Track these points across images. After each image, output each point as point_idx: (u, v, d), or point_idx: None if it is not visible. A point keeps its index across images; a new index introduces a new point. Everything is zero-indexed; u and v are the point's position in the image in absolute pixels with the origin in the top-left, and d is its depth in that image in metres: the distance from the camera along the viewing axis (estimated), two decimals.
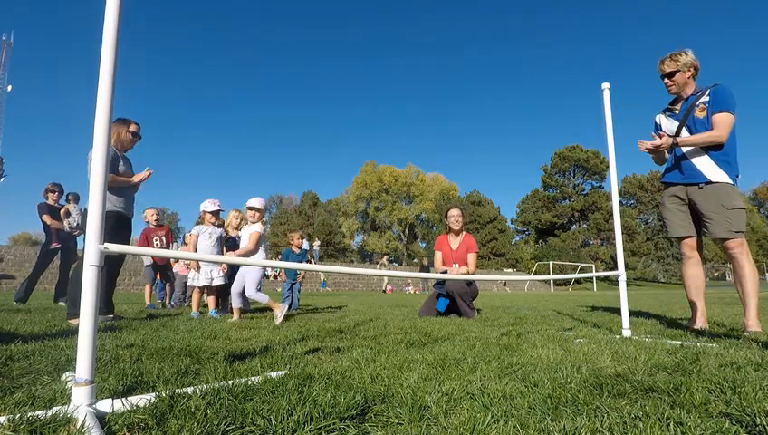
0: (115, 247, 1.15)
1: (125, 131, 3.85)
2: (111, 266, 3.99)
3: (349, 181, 56.95)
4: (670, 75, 3.07)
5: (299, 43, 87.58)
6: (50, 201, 6.33)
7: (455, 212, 4.90)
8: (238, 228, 5.21)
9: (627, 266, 3.02)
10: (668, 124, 3.17)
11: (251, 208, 4.30)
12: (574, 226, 52.69)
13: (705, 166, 2.95)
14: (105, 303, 3.83)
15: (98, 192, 1.12)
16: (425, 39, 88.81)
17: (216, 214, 4.58)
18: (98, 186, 1.12)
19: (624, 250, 2.89)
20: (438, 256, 4.93)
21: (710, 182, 2.93)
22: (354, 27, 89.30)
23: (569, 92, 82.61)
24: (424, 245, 53.54)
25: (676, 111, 3.13)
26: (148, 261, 6.32)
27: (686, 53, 3.04)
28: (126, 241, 4.14)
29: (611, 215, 3.09)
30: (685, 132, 3.04)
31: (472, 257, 4.77)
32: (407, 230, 55.30)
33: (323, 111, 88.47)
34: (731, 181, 2.91)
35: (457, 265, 4.78)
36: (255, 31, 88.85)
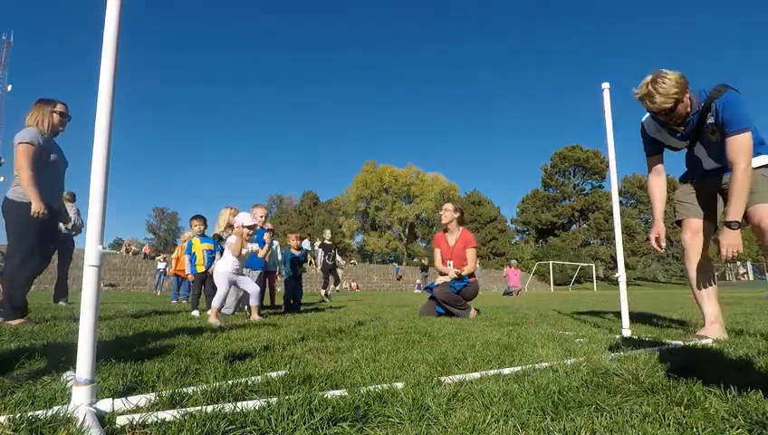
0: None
1: (50, 112, 3.54)
2: (35, 265, 3.47)
3: (349, 181, 57.02)
4: (670, 111, 2.43)
5: (299, 42, 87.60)
6: None
7: (444, 206, 4.85)
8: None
9: (627, 266, 2.95)
10: (672, 143, 2.68)
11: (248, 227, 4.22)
12: (574, 226, 52.73)
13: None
14: (20, 304, 3.35)
15: (98, 192, 1.12)
16: (425, 38, 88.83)
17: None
18: (98, 185, 1.12)
19: (624, 250, 2.80)
20: (437, 253, 4.92)
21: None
22: (355, 26, 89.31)
23: (569, 92, 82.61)
24: (424, 244, 53.59)
25: (680, 132, 2.60)
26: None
27: (669, 77, 2.37)
28: (51, 238, 3.65)
29: (611, 214, 2.87)
30: (698, 148, 2.59)
31: (471, 253, 4.71)
32: (407, 230, 55.33)
33: (324, 111, 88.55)
34: None
35: (452, 262, 4.73)
36: (256, 30, 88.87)
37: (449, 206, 4.85)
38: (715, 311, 2.59)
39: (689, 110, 2.48)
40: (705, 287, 2.63)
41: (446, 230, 4.90)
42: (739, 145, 2.32)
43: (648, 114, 2.66)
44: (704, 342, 2.29)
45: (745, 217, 2.43)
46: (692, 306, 5.78)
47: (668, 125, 2.59)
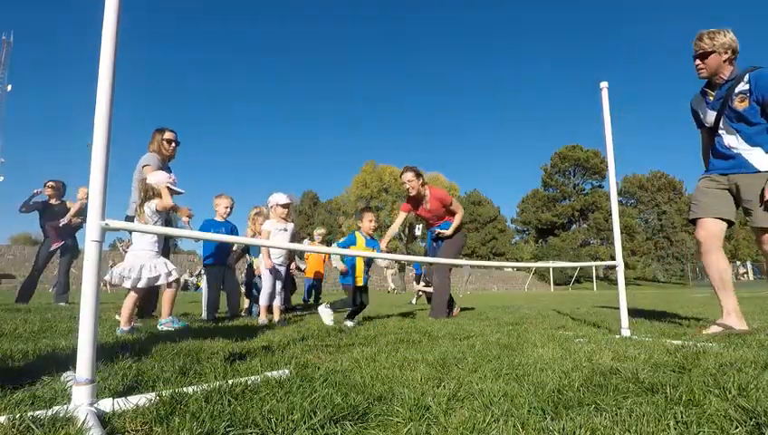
0: (117, 224, 1.15)
1: (160, 139, 4.05)
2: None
3: (349, 181, 57.02)
4: (703, 56, 2.72)
5: (299, 41, 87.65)
6: (51, 200, 6.29)
7: (405, 177, 4.46)
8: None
9: (627, 266, 2.93)
10: (705, 114, 2.88)
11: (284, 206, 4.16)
12: (574, 225, 52.74)
13: (757, 158, 2.67)
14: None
15: (99, 170, 1.11)
16: (425, 38, 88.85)
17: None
18: (99, 163, 1.11)
19: (624, 250, 2.83)
20: (401, 216, 4.69)
21: (759, 172, 2.64)
22: (354, 26, 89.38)
23: (569, 92, 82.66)
24: (424, 244, 53.58)
25: (711, 99, 2.83)
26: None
27: (725, 33, 2.71)
28: (166, 250, 4.17)
29: (611, 214, 2.91)
30: (723, 124, 2.78)
31: (455, 205, 4.54)
32: (407, 230, 55.27)
33: (324, 111, 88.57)
34: None
35: (427, 222, 4.56)
36: (256, 28, 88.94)
37: (408, 175, 4.47)
38: (733, 302, 2.71)
39: (725, 75, 2.75)
40: (723, 279, 2.77)
41: (413, 197, 4.60)
42: None
43: (696, 95, 2.97)
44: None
45: (752, 227, 2.72)
46: (691, 306, 5.79)
47: (699, 74, 2.82)
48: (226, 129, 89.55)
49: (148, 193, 3.28)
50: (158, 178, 3.33)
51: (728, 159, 2.77)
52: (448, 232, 4.50)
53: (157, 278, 3.19)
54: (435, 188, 4.62)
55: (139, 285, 3.12)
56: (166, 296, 3.35)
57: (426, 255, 4.85)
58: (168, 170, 4.04)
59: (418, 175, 4.49)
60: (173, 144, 4.11)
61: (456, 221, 4.54)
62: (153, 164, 3.84)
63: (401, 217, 4.72)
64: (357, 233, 4.00)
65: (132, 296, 3.12)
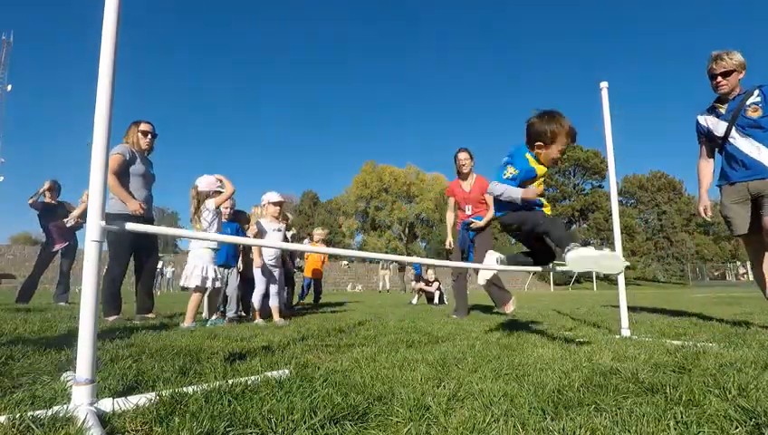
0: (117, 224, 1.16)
1: (136, 131, 4.02)
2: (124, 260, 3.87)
3: (349, 181, 57.02)
4: (726, 74, 3.05)
5: (299, 41, 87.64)
6: (47, 199, 6.29)
7: (462, 155, 4.83)
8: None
9: (626, 266, 2.95)
10: (715, 125, 3.16)
11: (276, 204, 4.19)
12: (574, 226, 52.65)
13: None
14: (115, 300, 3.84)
15: (99, 169, 1.12)
16: (424, 38, 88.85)
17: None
18: (98, 163, 1.12)
19: (624, 250, 2.81)
20: (451, 201, 4.98)
21: None
22: (354, 27, 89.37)
23: (569, 91, 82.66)
24: (424, 244, 53.61)
25: (723, 111, 3.12)
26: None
27: (738, 53, 3.04)
28: (152, 247, 4.24)
29: (611, 214, 3.01)
30: (734, 133, 3.04)
31: (490, 199, 4.65)
32: (407, 230, 55.34)
33: (323, 111, 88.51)
34: None
35: (470, 207, 4.78)
36: (256, 28, 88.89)
37: (465, 154, 4.84)
38: None
39: (737, 91, 3.06)
40: None
41: (458, 176, 4.93)
42: None
43: (703, 111, 3.26)
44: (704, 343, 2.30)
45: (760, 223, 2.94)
46: (691, 306, 5.79)
47: (720, 90, 3.08)
48: (227, 129, 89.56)
49: (202, 197, 3.46)
50: (207, 182, 3.50)
51: (747, 167, 3.02)
52: (482, 223, 4.72)
53: (206, 281, 3.40)
54: (481, 176, 4.88)
55: (201, 285, 3.38)
56: (194, 300, 3.54)
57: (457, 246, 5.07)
58: (148, 163, 4.04)
59: (472, 157, 4.88)
60: (149, 136, 4.05)
61: (489, 215, 4.73)
62: (120, 153, 3.81)
63: (451, 202, 5.05)
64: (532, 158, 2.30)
65: (197, 297, 3.37)
